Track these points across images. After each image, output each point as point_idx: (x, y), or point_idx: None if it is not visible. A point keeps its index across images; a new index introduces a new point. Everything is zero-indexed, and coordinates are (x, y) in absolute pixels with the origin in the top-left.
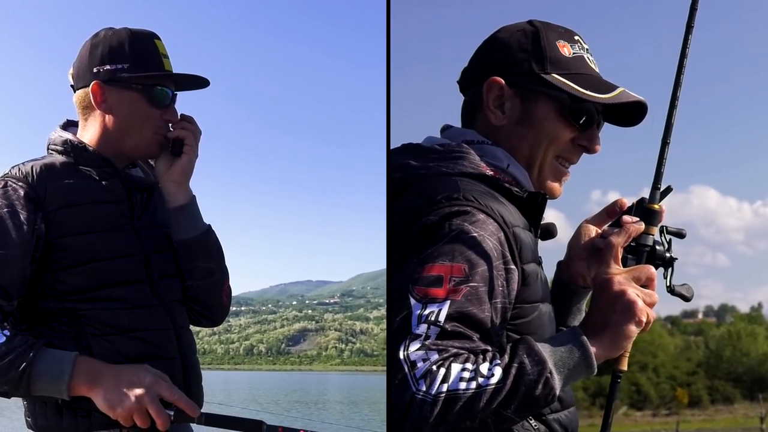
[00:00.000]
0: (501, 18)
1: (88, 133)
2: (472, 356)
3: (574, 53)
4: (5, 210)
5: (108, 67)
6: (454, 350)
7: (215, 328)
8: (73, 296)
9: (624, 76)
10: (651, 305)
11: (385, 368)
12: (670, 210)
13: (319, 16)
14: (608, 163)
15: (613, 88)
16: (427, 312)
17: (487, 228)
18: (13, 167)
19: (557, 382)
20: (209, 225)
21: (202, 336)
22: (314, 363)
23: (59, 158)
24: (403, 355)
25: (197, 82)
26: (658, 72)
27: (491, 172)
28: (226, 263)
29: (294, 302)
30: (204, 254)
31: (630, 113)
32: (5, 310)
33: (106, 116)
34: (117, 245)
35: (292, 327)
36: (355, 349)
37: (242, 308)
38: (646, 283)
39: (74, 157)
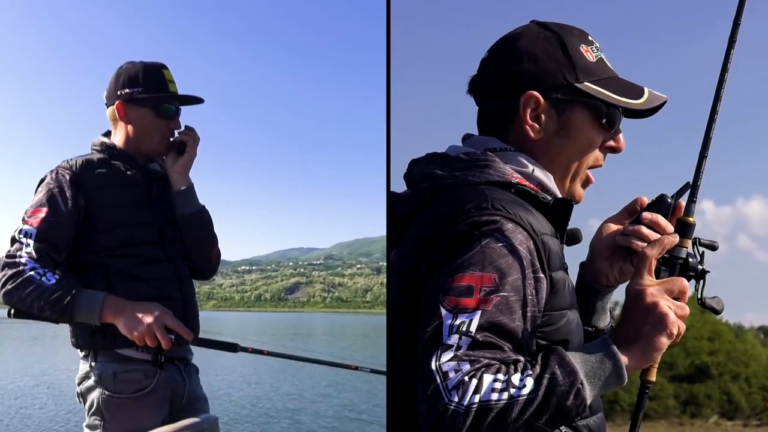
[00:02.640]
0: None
1: (117, 138)
2: (503, 367)
3: (596, 57)
4: (56, 189)
5: (127, 90)
6: (486, 361)
7: (234, 283)
8: (103, 253)
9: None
10: (682, 318)
11: (357, 311)
12: None
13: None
14: (704, 171)
15: (641, 90)
16: (458, 322)
17: (517, 237)
18: (63, 160)
19: (588, 393)
20: (203, 205)
21: (225, 287)
22: (305, 307)
23: (97, 155)
24: (435, 365)
25: (194, 100)
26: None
27: (517, 179)
28: (242, 233)
29: (290, 263)
30: (197, 226)
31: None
32: (56, 260)
33: (128, 126)
34: (137, 217)
35: (289, 281)
36: (335, 297)
37: (253, 267)
38: (679, 296)
39: (107, 154)
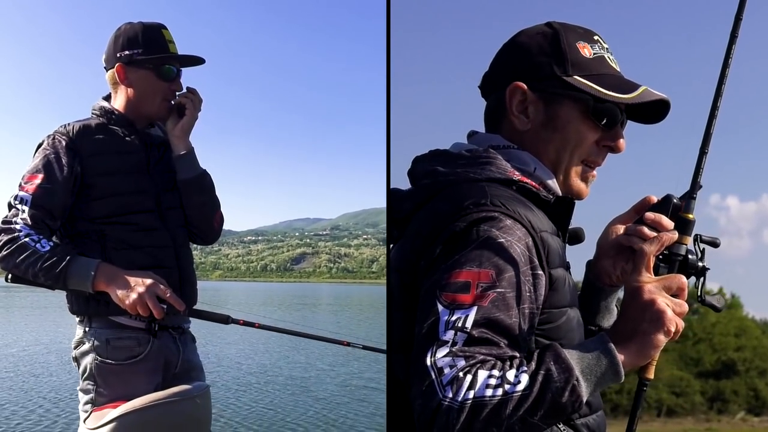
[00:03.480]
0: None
1: (117, 102)
2: (499, 363)
3: (594, 54)
4: (52, 156)
5: (126, 52)
6: (481, 357)
7: (240, 253)
8: (99, 220)
9: (671, 84)
10: (681, 315)
11: (363, 281)
12: None
13: None
14: (729, 167)
15: (635, 87)
16: (454, 318)
17: (515, 233)
18: (61, 125)
19: (584, 390)
20: (204, 169)
21: (231, 257)
22: (311, 277)
23: (95, 120)
24: (430, 361)
25: (195, 60)
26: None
27: (518, 177)
28: (250, 202)
29: (296, 233)
30: (198, 190)
31: (653, 111)
32: (52, 227)
33: (128, 89)
34: (134, 184)
35: (295, 251)
36: (341, 267)
37: (259, 238)
38: (677, 293)
39: (106, 119)
